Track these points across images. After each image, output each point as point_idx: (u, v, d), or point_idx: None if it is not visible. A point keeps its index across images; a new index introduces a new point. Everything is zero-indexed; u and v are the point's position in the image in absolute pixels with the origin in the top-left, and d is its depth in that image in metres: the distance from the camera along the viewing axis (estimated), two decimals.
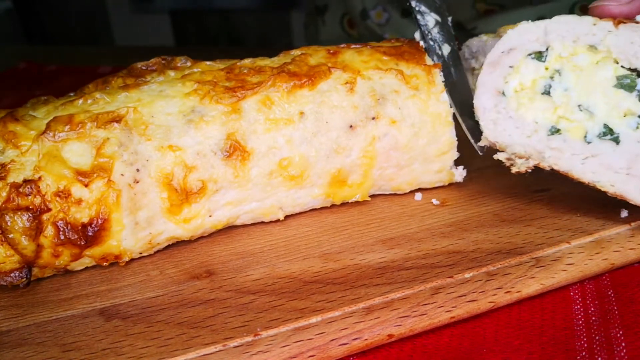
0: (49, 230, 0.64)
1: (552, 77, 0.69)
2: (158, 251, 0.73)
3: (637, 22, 0.64)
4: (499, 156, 0.72)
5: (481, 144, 0.74)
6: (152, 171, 0.68)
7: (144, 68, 0.78)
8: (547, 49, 0.68)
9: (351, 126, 0.74)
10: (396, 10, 1.49)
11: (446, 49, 0.81)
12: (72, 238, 0.65)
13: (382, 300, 0.60)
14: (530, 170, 0.71)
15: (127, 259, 0.69)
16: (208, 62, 0.77)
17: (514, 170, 0.71)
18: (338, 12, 1.61)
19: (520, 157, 0.71)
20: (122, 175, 0.66)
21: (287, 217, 0.78)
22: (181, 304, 0.62)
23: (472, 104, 0.74)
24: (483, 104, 0.72)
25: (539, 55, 0.69)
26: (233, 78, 0.73)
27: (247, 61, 0.77)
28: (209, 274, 0.68)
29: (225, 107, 0.71)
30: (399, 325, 0.57)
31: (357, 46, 0.80)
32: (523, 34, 0.69)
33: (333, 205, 0.81)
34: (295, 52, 0.79)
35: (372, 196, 0.82)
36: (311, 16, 1.70)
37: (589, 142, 0.67)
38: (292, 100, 0.73)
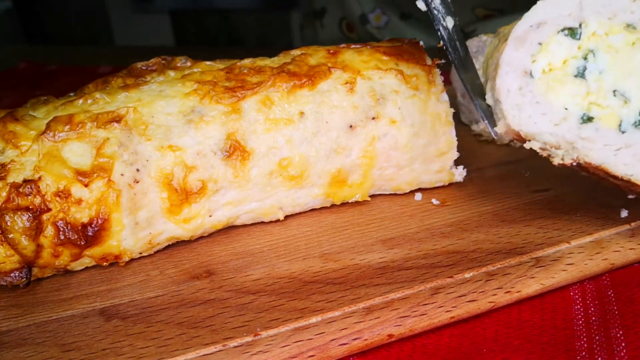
0: (49, 230, 0.64)
1: (585, 58, 0.62)
2: (158, 251, 0.73)
3: None
4: (531, 145, 0.64)
5: (499, 129, 0.65)
6: (152, 171, 0.68)
7: (144, 68, 0.78)
8: (580, 26, 0.61)
9: (351, 126, 0.74)
10: (395, 13, 1.49)
11: (450, 22, 0.73)
12: (72, 238, 0.65)
13: (382, 300, 0.60)
14: (575, 164, 0.62)
15: (127, 259, 0.69)
16: (208, 62, 0.77)
17: (556, 162, 0.63)
18: (336, 16, 1.61)
19: (556, 148, 0.63)
20: (122, 175, 0.66)
21: (287, 217, 0.78)
22: (181, 304, 0.62)
23: (480, 84, 0.70)
24: (507, 85, 0.63)
25: (572, 32, 0.62)
26: (233, 78, 0.73)
27: (247, 61, 0.77)
28: (209, 274, 0.68)
29: (225, 107, 0.71)
30: (399, 325, 0.57)
31: (357, 46, 0.80)
32: (555, 6, 0.61)
33: (333, 205, 0.81)
34: (295, 52, 0.79)
35: (372, 196, 0.82)
36: (307, 18, 1.70)
37: (623, 132, 0.61)
38: (292, 100, 0.73)
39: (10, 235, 0.63)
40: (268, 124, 0.72)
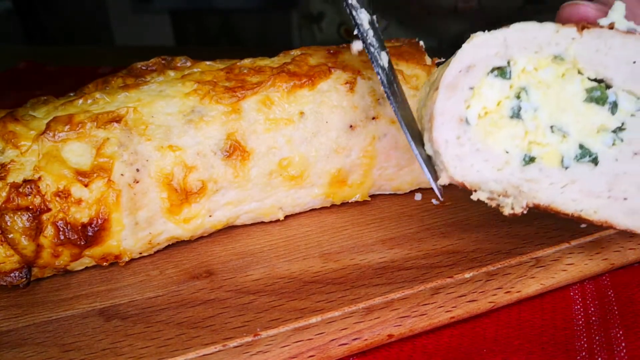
0: (49, 230, 0.64)
1: (518, 97, 0.59)
2: (158, 251, 0.73)
3: (601, 27, 0.57)
4: (478, 195, 0.60)
5: (442, 181, 0.61)
6: (152, 171, 0.68)
7: (144, 68, 0.78)
8: (509, 64, 0.59)
9: (351, 126, 0.74)
10: (393, 18, 1.49)
11: (384, 58, 0.69)
12: (72, 238, 0.65)
13: (382, 300, 0.60)
14: (525, 211, 0.59)
15: (127, 259, 0.69)
16: (208, 62, 0.77)
17: (506, 212, 0.59)
18: (335, 21, 1.61)
19: (505, 196, 0.60)
20: (122, 175, 0.66)
21: (287, 217, 0.78)
22: (181, 304, 0.62)
23: (418, 129, 0.64)
24: (444, 136, 0.59)
25: (502, 72, 0.59)
26: (233, 78, 0.73)
27: (247, 61, 0.77)
28: (209, 274, 0.68)
29: (225, 107, 0.71)
30: (398, 325, 0.57)
31: None
32: (481, 47, 0.58)
33: (333, 205, 0.81)
34: (295, 52, 0.79)
35: (372, 196, 0.82)
36: (305, 19, 1.70)
37: (566, 167, 0.59)
38: (292, 100, 0.73)
39: (10, 235, 0.63)
40: (268, 124, 0.72)
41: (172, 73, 0.75)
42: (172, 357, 0.54)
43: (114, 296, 0.65)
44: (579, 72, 0.59)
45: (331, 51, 0.78)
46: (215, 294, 0.64)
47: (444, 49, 0.85)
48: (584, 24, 0.57)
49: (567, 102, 0.59)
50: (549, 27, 0.58)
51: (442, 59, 0.79)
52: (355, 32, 0.68)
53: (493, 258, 0.66)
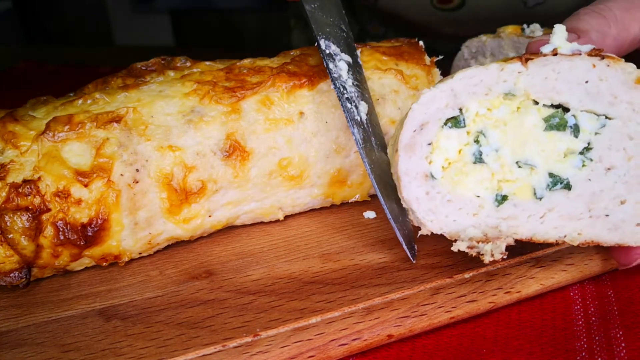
0: (49, 231, 0.64)
1: (477, 141, 0.60)
2: (157, 251, 0.73)
3: (544, 55, 0.58)
4: (458, 246, 0.60)
5: (423, 232, 0.62)
6: (152, 171, 0.67)
7: (143, 68, 0.78)
8: (461, 111, 0.60)
9: None
10: (390, 25, 1.49)
11: (363, 109, 0.69)
12: (72, 238, 0.64)
13: (382, 300, 0.60)
14: (505, 257, 0.58)
15: (126, 259, 0.69)
16: (208, 62, 0.77)
17: (486, 260, 0.58)
18: None
19: (482, 241, 0.59)
20: (121, 175, 0.66)
21: (286, 217, 0.78)
22: (180, 305, 0.62)
23: (392, 184, 0.64)
24: (414, 194, 0.61)
25: (455, 122, 0.60)
26: (233, 78, 0.73)
27: (246, 61, 0.77)
28: (209, 274, 0.68)
29: (225, 107, 0.70)
30: (398, 325, 0.57)
31: (357, 46, 0.80)
32: (430, 104, 0.59)
33: (333, 205, 0.81)
34: (295, 52, 0.79)
35: (372, 196, 0.82)
36: (297, 20, 1.70)
37: (540, 198, 0.60)
38: (291, 100, 0.73)
39: (10, 236, 0.63)
40: (268, 124, 0.72)
41: (171, 73, 0.75)
42: (171, 357, 0.54)
43: (113, 296, 0.65)
44: (535, 103, 0.59)
45: None
46: (215, 294, 0.64)
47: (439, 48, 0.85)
48: (526, 56, 0.58)
49: (527, 135, 0.59)
50: (492, 67, 0.58)
51: (441, 56, 0.80)
52: (332, 87, 0.68)
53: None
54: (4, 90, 1.56)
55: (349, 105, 0.68)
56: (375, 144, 0.68)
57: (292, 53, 0.79)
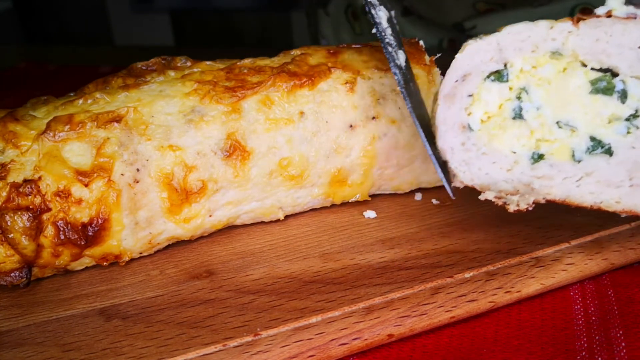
0: (49, 230, 0.64)
1: (519, 98, 0.60)
2: (158, 251, 0.73)
3: (598, 16, 0.56)
4: (486, 196, 0.61)
5: (455, 185, 0.63)
6: (152, 171, 0.68)
7: (144, 68, 0.78)
8: (505, 66, 0.59)
9: (351, 126, 0.74)
10: (396, 9, 1.49)
11: (402, 57, 0.69)
12: (72, 238, 0.65)
13: (382, 300, 0.60)
14: (531, 208, 0.60)
15: (127, 259, 0.69)
16: (208, 62, 0.77)
17: (511, 209, 0.61)
18: (342, 4, 1.61)
19: (512, 194, 0.61)
20: (122, 175, 0.66)
21: (287, 217, 0.78)
22: (181, 304, 0.62)
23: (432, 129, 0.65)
24: (449, 143, 0.61)
25: (499, 76, 0.60)
26: (233, 78, 0.73)
27: (247, 61, 0.77)
28: (209, 274, 0.68)
29: (225, 107, 0.71)
30: (399, 325, 0.57)
31: (357, 46, 0.80)
32: (474, 55, 0.59)
33: (333, 205, 0.81)
34: (295, 52, 0.79)
35: (372, 196, 0.82)
36: (312, 7, 1.71)
37: (578, 161, 0.59)
38: (292, 100, 0.73)
39: (11, 235, 0.63)
40: (268, 124, 0.72)
41: (172, 73, 0.75)
42: (172, 356, 0.54)
43: (114, 296, 0.65)
44: (583, 65, 0.58)
45: (331, 51, 0.78)
46: (216, 294, 0.64)
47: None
48: (579, 16, 0.57)
49: (571, 96, 0.58)
50: (542, 24, 0.58)
51: (439, 54, 0.80)
52: (374, 31, 0.70)
53: (493, 258, 0.66)
54: (4, 90, 1.56)
55: (389, 49, 0.69)
56: (413, 87, 0.69)
57: (292, 53, 0.79)
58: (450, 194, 0.64)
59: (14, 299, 0.66)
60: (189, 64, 0.77)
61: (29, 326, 0.61)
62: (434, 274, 0.63)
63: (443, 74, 0.77)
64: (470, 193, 0.82)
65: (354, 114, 0.74)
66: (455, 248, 0.68)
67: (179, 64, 0.78)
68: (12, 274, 0.64)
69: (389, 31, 0.70)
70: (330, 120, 0.74)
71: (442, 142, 0.61)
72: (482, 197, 0.61)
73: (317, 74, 0.74)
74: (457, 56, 0.60)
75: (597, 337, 0.57)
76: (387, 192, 0.83)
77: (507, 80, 0.60)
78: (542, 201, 0.60)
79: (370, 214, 0.78)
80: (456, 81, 0.60)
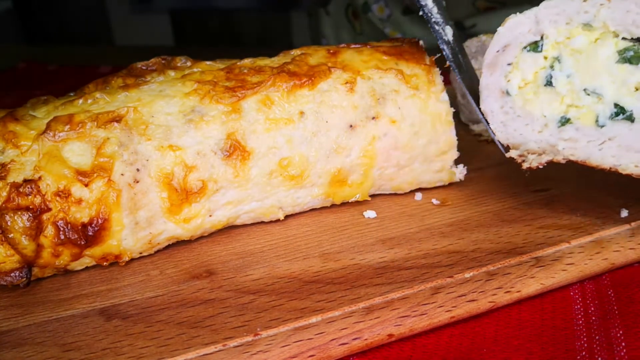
0: (49, 230, 0.64)
1: (552, 67, 0.66)
2: (158, 251, 0.73)
3: None
4: (511, 154, 0.70)
5: (497, 140, 0.72)
6: (152, 171, 0.68)
7: (144, 68, 0.78)
8: (542, 38, 0.65)
9: (351, 126, 0.74)
10: (397, 7, 1.49)
11: (449, 32, 0.77)
12: (72, 238, 0.65)
13: (382, 300, 0.60)
14: (542, 167, 0.69)
15: (127, 259, 0.69)
16: (208, 62, 0.77)
17: (525, 165, 0.70)
18: (342, 4, 1.61)
19: (532, 153, 0.69)
20: (122, 175, 0.66)
21: (287, 217, 0.78)
22: (181, 304, 0.62)
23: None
24: (490, 107, 0.70)
25: (535, 46, 0.66)
26: (233, 78, 0.73)
27: (247, 61, 0.77)
28: (209, 273, 0.68)
29: (225, 107, 0.71)
30: (399, 325, 0.57)
31: (357, 46, 0.80)
32: (514, 28, 0.66)
33: (333, 205, 0.81)
34: (295, 52, 0.79)
35: (372, 196, 0.82)
36: (313, 7, 1.71)
37: (602, 126, 0.64)
38: (292, 100, 0.73)
39: (11, 235, 0.63)
40: (268, 124, 0.72)
41: (172, 73, 0.75)
42: (172, 356, 0.54)
43: (114, 296, 0.65)
44: (615, 36, 0.61)
45: (331, 51, 0.78)
46: (216, 294, 0.64)
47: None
48: None
49: (600, 65, 0.63)
50: None
51: (439, 54, 0.81)
52: (421, 13, 0.76)
53: (493, 258, 0.66)
54: (4, 90, 1.56)
55: (436, 27, 0.76)
56: (462, 60, 0.78)
57: (292, 53, 0.79)
58: (502, 150, 0.73)
59: (14, 299, 0.66)
60: (189, 64, 0.77)
61: (29, 326, 0.61)
62: (434, 274, 0.63)
63: (443, 73, 0.80)
64: (470, 193, 0.82)
65: (354, 114, 0.74)
66: (455, 248, 0.69)
67: (179, 64, 0.78)
68: (12, 274, 0.64)
69: (435, 10, 0.76)
70: (330, 120, 0.74)
71: (484, 106, 0.70)
72: (508, 155, 0.70)
73: (317, 74, 0.74)
74: (498, 29, 0.67)
75: (597, 337, 0.57)
76: (387, 192, 0.83)
77: (541, 51, 0.65)
78: (562, 161, 0.67)
79: (370, 214, 0.78)
80: (497, 51, 0.67)
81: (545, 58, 0.66)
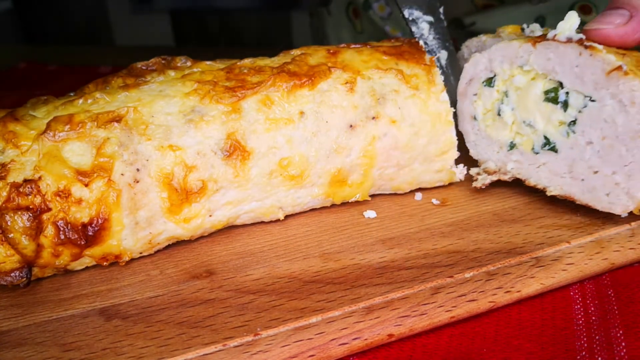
0: (49, 230, 0.64)
1: (502, 100, 0.77)
2: (158, 251, 0.73)
3: (546, 39, 0.70)
4: (471, 171, 0.82)
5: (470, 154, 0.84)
6: (152, 171, 0.68)
7: (144, 68, 0.78)
8: (494, 75, 0.77)
9: (351, 126, 0.74)
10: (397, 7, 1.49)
11: (443, 56, 0.88)
12: (72, 238, 0.65)
13: (382, 300, 0.60)
14: (484, 187, 0.80)
15: (127, 259, 0.69)
16: (208, 62, 0.77)
17: (474, 185, 0.81)
18: (343, 2, 1.61)
19: (485, 173, 0.81)
20: (122, 175, 0.66)
21: (287, 217, 0.78)
22: (181, 304, 0.62)
23: None
24: (464, 128, 0.83)
25: (489, 82, 0.78)
26: (233, 78, 0.73)
27: (247, 61, 0.77)
28: (209, 273, 0.68)
29: (225, 107, 0.71)
30: (399, 325, 0.57)
31: (357, 46, 0.80)
32: (475, 65, 0.79)
33: (333, 205, 0.81)
34: (295, 52, 0.79)
35: (372, 196, 0.82)
36: (314, 6, 1.71)
37: (536, 153, 0.75)
38: (292, 100, 0.73)
39: (11, 235, 0.63)
40: (268, 124, 0.72)
41: (172, 73, 0.75)
42: (172, 356, 0.54)
43: (114, 296, 0.65)
44: (545, 77, 0.72)
45: (331, 51, 0.78)
46: (216, 294, 0.64)
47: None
48: (535, 39, 0.72)
49: (533, 102, 0.74)
50: (515, 44, 0.74)
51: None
52: (421, 43, 0.82)
53: (493, 258, 0.66)
54: (4, 90, 1.56)
55: (431, 54, 0.86)
56: (452, 82, 0.88)
57: (292, 53, 0.79)
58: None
59: (14, 299, 0.66)
60: (189, 64, 0.77)
61: (29, 326, 0.61)
62: (434, 274, 0.63)
63: (443, 73, 0.85)
64: (470, 193, 0.82)
65: (354, 114, 0.74)
66: (455, 248, 0.69)
67: (179, 64, 0.78)
68: (12, 274, 0.64)
69: (430, 37, 0.87)
70: (330, 120, 0.74)
71: (460, 127, 0.83)
72: (471, 172, 0.82)
73: (317, 74, 0.74)
74: (465, 65, 0.80)
75: (597, 337, 0.57)
76: (387, 192, 0.83)
77: (494, 86, 0.78)
78: (507, 179, 0.79)
79: (370, 214, 0.78)
80: (466, 83, 0.81)
81: (498, 92, 0.78)
